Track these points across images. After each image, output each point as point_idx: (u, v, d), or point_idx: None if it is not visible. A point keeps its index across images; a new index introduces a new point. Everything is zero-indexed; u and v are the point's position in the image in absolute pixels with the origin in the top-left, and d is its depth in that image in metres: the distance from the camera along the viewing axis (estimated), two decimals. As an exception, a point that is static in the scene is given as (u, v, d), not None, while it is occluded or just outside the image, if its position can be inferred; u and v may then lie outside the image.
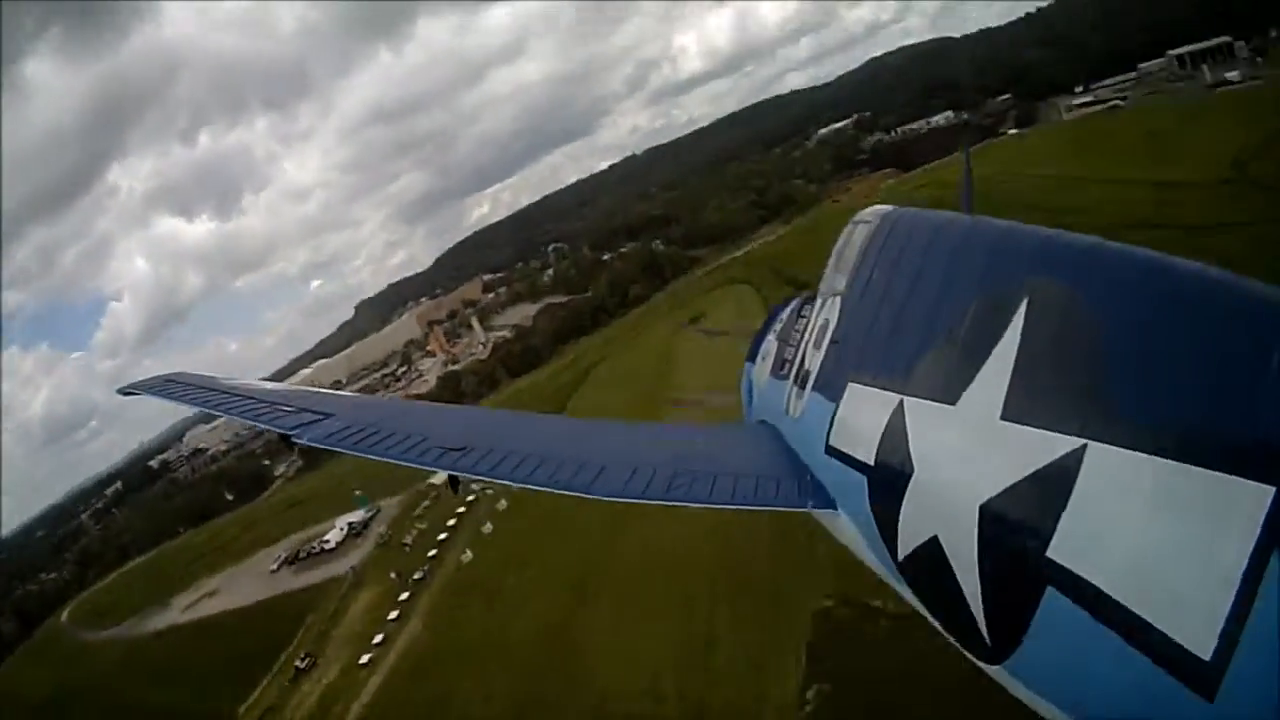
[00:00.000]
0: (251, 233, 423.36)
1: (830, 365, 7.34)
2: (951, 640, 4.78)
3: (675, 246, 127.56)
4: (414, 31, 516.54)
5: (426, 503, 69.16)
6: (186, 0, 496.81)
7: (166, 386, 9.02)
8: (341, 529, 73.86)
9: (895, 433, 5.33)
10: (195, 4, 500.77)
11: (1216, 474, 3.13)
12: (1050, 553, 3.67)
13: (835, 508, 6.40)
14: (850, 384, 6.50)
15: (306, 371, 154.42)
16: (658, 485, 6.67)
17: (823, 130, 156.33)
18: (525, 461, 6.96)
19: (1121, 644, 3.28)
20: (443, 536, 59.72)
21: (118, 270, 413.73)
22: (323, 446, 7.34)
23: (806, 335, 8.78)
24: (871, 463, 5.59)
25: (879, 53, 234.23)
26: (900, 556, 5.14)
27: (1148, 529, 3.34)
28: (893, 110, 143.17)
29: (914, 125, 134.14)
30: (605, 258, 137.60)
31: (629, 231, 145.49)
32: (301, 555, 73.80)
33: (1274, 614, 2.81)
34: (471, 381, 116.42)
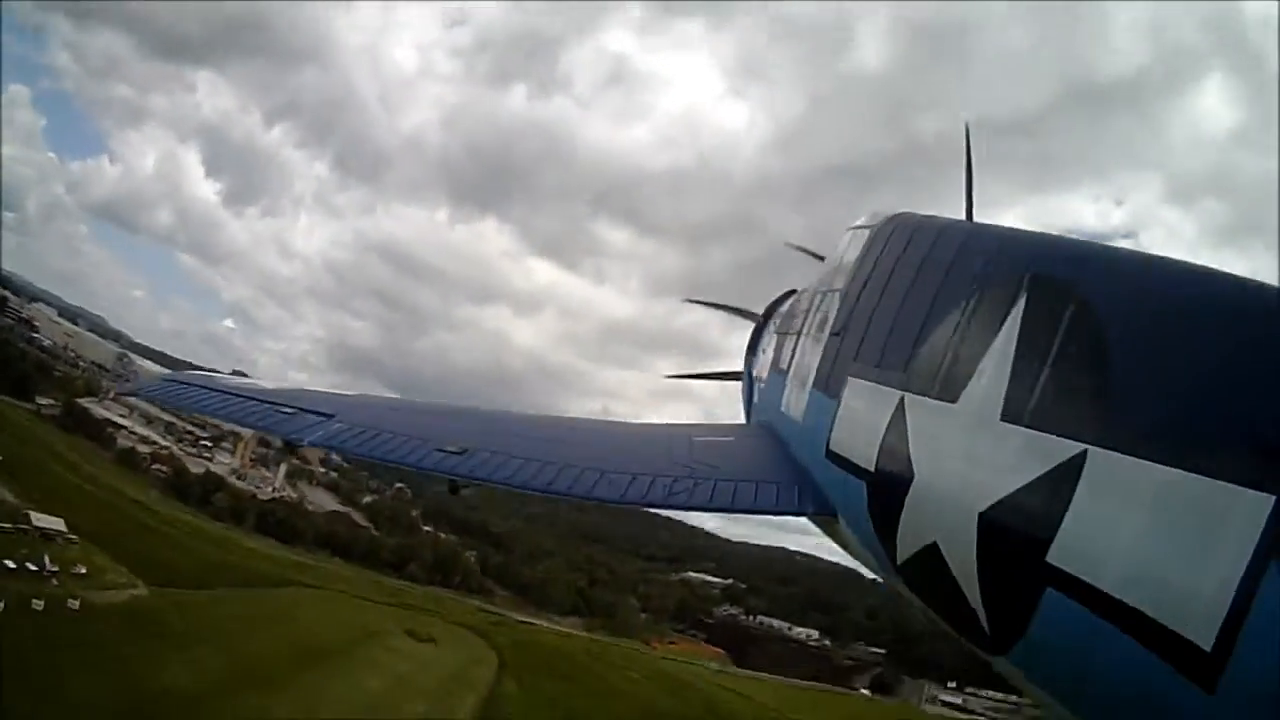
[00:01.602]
0: (231, 234, 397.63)
1: (830, 360, 7.30)
2: (951, 631, 4.78)
3: (481, 574, 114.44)
4: (478, 221, 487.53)
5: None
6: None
7: (166, 388, 9.03)
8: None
9: (895, 438, 5.28)
10: (393, 13, 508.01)
11: (1217, 482, 3.12)
12: (1050, 559, 3.66)
13: (834, 515, 6.38)
14: (850, 379, 6.48)
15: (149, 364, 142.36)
16: (658, 491, 6.66)
17: (690, 573, 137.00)
18: (524, 465, 6.92)
19: (1122, 653, 3.29)
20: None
21: (132, 141, 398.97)
22: (324, 448, 7.37)
23: (805, 329, 8.83)
24: (871, 469, 5.56)
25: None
26: (899, 563, 5.14)
27: (1148, 537, 3.34)
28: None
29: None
30: (427, 529, 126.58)
31: (443, 519, 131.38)
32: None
33: (1272, 623, 2.81)
34: (226, 499, 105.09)
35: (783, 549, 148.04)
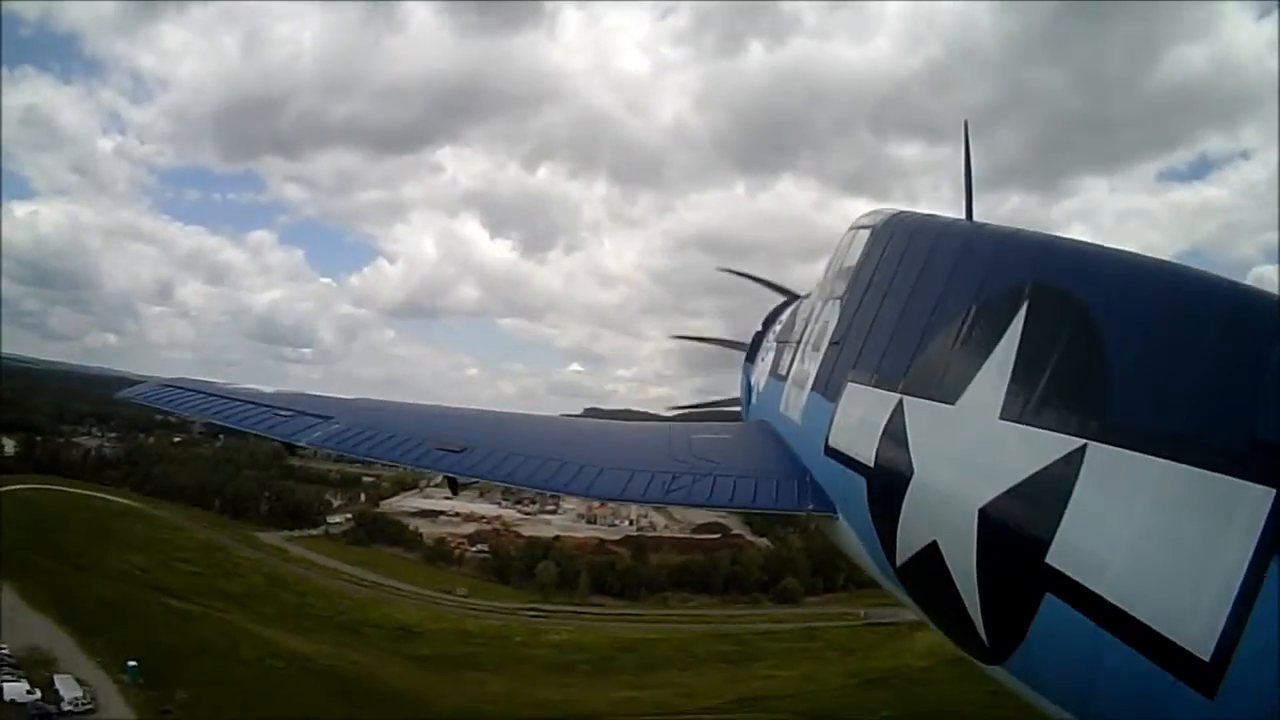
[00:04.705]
0: (542, 283, 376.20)
1: (829, 366, 7.25)
2: (949, 640, 4.83)
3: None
4: (775, 182, 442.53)
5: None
6: (596, 18, 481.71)
7: (163, 393, 8.80)
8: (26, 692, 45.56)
9: (894, 433, 5.25)
10: (601, 27, 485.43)
11: (1217, 475, 3.06)
12: (1049, 557, 3.58)
13: (834, 512, 6.37)
14: (849, 384, 6.45)
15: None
16: (656, 488, 6.77)
17: None
18: (524, 463, 6.98)
19: (1121, 646, 3.21)
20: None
21: (402, 236, 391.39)
22: (322, 449, 7.35)
23: (805, 337, 8.86)
24: (871, 464, 5.53)
25: None
26: (899, 562, 5.07)
27: (1148, 531, 3.29)
28: None
29: None
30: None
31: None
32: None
33: (1275, 617, 2.74)
34: (553, 569, 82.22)
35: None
